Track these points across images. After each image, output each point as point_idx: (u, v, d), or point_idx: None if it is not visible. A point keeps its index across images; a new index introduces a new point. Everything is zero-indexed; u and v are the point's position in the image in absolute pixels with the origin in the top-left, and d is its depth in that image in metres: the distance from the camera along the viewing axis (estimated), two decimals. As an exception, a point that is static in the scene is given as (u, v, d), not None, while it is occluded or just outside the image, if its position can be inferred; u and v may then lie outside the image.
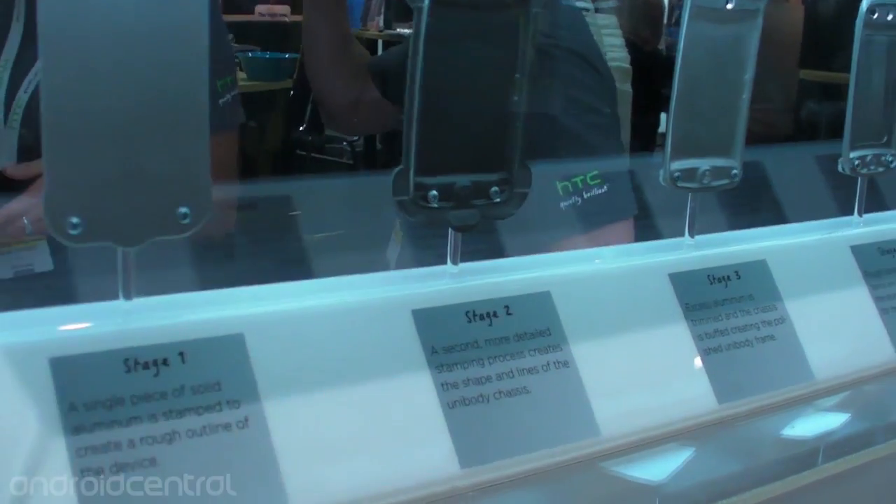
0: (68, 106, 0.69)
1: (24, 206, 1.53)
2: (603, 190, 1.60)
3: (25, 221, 1.51)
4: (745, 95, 1.05)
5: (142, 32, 0.70)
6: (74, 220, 0.70)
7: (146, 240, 0.72)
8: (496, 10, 0.85)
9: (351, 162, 5.49)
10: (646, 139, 4.66)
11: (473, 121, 0.86)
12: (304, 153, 5.42)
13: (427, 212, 0.84)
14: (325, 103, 2.01)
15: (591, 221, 1.59)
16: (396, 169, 0.82)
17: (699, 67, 1.01)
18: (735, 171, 1.05)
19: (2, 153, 1.68)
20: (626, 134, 3.28)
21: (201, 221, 0.73)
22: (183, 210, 0.73)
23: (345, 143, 5.52)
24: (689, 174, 1.02)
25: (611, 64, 3.18)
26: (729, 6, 1.00)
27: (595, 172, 1.60)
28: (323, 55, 1.87)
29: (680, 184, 1.01)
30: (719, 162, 1.04)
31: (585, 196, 1.60)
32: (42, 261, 1.71)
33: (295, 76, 5.59)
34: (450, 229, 0.87)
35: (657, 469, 0.89)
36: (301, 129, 5.56)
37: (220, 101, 1.85)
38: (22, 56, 1.71)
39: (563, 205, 1.59)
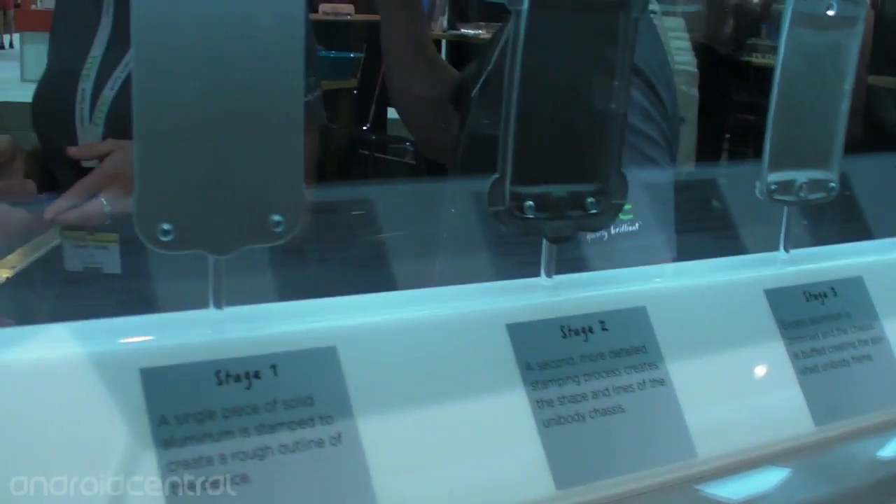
0: (161, 109, 0.67)
1: (99, 180, 1.47)
2: (633, 228, 1.43)
3: (104, 201, 1.46)
4: (844, 105, 1.02)
5: (236, 33, 0.68)
6: (166, 226, 0.68)
7: (238, 248, 0.70)
8: (595, 14, 0.82)
9: (413, 162, 5.47)
10: (714, 144, 4.61)
11: (570, 128, 0.83)
12: (366, 152, 5.42)
13: (522, 222, 0.82)
14: (407, 108, 1.94)
15: (614, 261, 1.42)
16: (492, 178, 0.80)
17: (799, 76, 0.98)
18: (833, 185, 1.02)
19: None
20: (691, 138, 3.24)
21: (294, 230, 0.71)
22: (276, 218, 0.71)
23: (407, 143, 5.51)
24: (786, 187, 0.99)
25: (677, 67, 3.14)
26: (829, 13, 0.97)
27: (627, 206, 1.36)
28: (403, 54, 1.83)
29: (777, 196, 0.98)
30: (817, 174, 1.01)
31: (613, 231, 1.42)
32: (111, 263, 1.70)
33: (359, 75, 5.61)
34: (544, 240, 0.84)
35: (753, 491, 0.86)
36: (364, 128, 5.57)
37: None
38: (110, 52, 1.70)
39: (588, 237, 1.39)
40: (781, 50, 0.96)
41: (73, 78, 1.68)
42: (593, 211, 0.84)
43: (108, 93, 1.66)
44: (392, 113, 6.07)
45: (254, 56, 0.69)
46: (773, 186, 0.98)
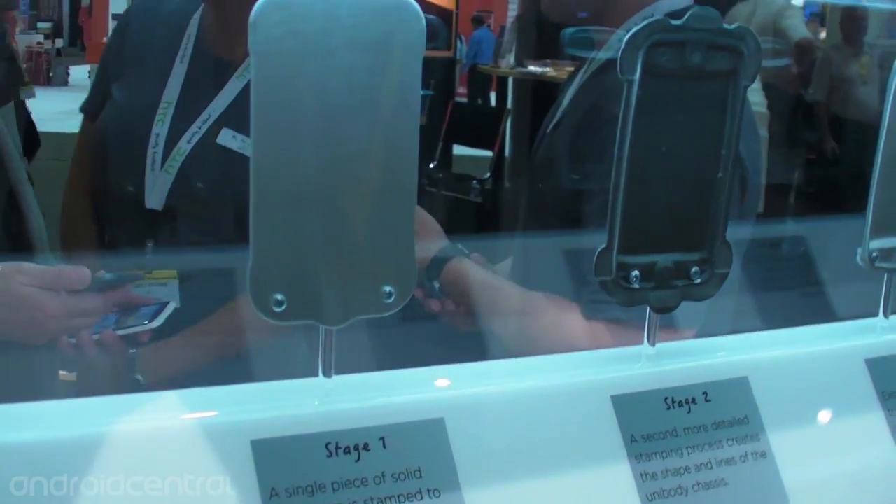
0: (277, 179, 0.67)
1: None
2: None
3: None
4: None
5: (354, 103, 0.68)
6: (279, 296, 0.68)
7: (349, 319, 0.70)
8: (705, 82, 0.82)
9: (479, 200, 5.47)
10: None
11: (677, 197, 0.83)
12: (433, 189, 5.42)
13: (628, 292, 0.81)
14: None
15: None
16: (599, 248, 0.79)
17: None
18: (935, 251, 1.00)
19: (153, 194, 1.67)
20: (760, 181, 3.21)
21: (405, 300, 0.71)
22: (387, 289, 0.71)
23: (474, 182, 5.51)
24: (888, 254, 0.97)
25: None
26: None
27: None
28: None
29: (878, 264, 0.97)
30: (920, 242, 0.99)
31: None
32: (172, 296, 1.70)
33: (426, 112, 5.62)
34: (648, 309, 0.84)
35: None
36: (432, 165, 5.58)
37: None
38: (184, 98, 1.69)
39: None
40: (887, 113, 0.94)
41: (145, 120, 1.68)
42: (698, 280, 0.84)
43: (186, 145, 1.64)
44: (458, 150, 6.08)
45: (370, 126, 0.69)
46: (874, 254, 0.96)
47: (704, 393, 0.84)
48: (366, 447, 0.70)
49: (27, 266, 1.25)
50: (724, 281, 0.85)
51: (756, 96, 3.38)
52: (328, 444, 0.69)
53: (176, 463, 0.66)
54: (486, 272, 1.41)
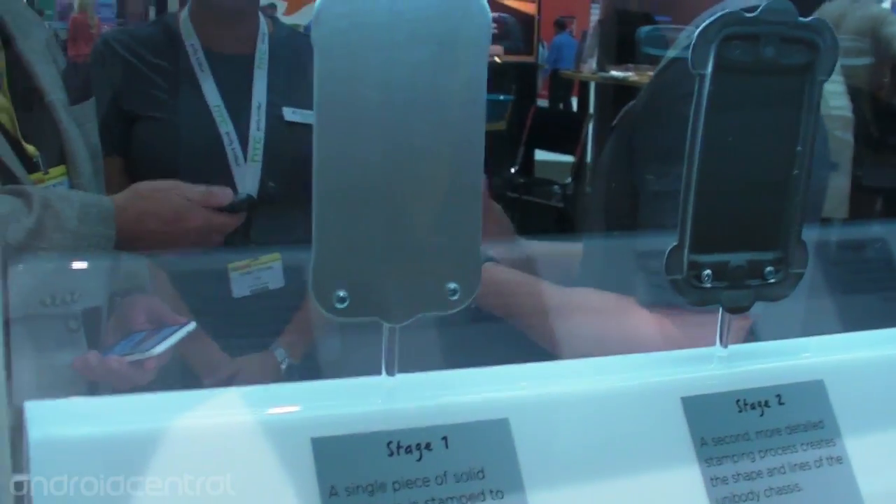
0: (340, 175, 0.66)
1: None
2: None
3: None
4: None
5: (419, 97, 0.67)
6: (342, 293, 0.67)
7: (413, 316, 0.69)
8: (780, 78, 0.79)
9: (561, 205, 5.45)
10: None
11: (751, 195, 0.81)
12: (515, 195, 5.41)
13: (700, 292, 0.79)
14: None
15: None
16: (670, 246, 0.78)
17: None
18: None
19: (245, 184, 1.81)
20: (845, 184, 3.14)
21: (470, 298, 0.70)
22: (452, 286, 0.70)
23: (556, 187, 5.49)
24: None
25: (831, 112, 3.05)
26: None
27: None
28: None
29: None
30: None
31: None
32: (275, 278, 1.84)
33: (507, 118, 5.62)
34: (720, 309, 0.82)
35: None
36: (513, 170, 5.57)
37: None
38: (227, 97, 1.85)
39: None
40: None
41: (202, 126, 1.83)
42: (772, 280, 0.81)
43: (258, 133, 1.79)
44: (540, 155, 6.06)
45: (436, 121, 0.68)
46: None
47: (778, 396, 0.81)
48: (428, 447, 0.69)
49: (182, 184, 1.47)
50: (800, 281, 0.83)
51: (840, 100, 3.33)
52: (389, 442, 0.68)
53: (235, 460, 0.65)
54: (523, 276, 1.39)
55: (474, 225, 0.70)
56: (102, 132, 1.69)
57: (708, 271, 0.79)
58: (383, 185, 0.67)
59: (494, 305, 1.34)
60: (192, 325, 1.38)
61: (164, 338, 1.35)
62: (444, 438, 0.69)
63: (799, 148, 0.80)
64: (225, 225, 1.48)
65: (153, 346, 1.34)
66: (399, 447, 0.68)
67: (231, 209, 1.47)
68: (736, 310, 0.81)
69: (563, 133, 5.75)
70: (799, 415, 0.82)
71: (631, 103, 1.48)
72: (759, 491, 0.78)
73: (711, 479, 0.76)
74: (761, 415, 0.80)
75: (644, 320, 1.22)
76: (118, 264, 1.45)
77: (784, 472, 0.79)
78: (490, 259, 1.37)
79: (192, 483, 0.64)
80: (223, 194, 1.46)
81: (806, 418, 0.82)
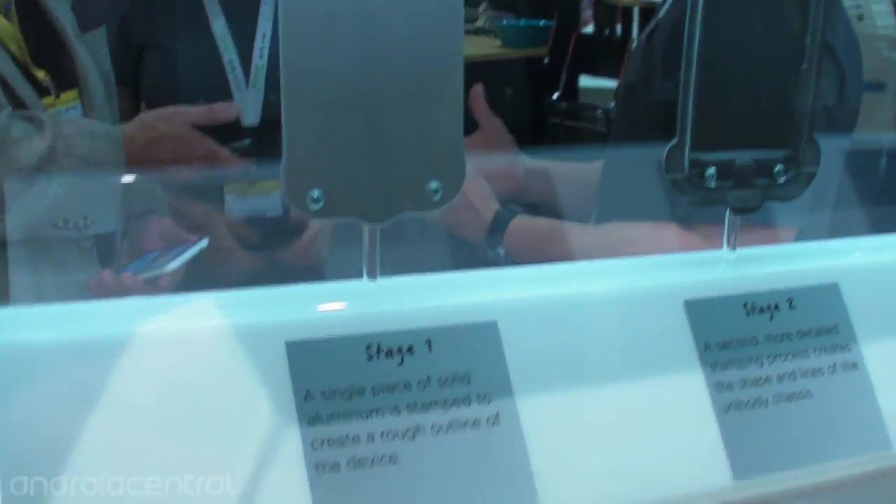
0: (309, 68, 0.63)
1: None
2: None
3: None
4: None
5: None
6: (315, 193, 0.64)
7: (393, 216, 0.66)
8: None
9: (605, 129, 5.37)
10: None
11: (757, 90, 0.76)
12: (557, 120, 5.35)
13: (703, 191, 0.75)
14: None
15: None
16: (670, 143, 0.74)
17: None
18: None
19: (248, 112, 1.83)
20: (893, 105, 3.06)
21: (452, 196, 0.67)
22: (433, 185, 0.66)
23: (599, 111, 5.41)
24: None
25: (878, 31, 2.97)
26: None
27: None
28: None
29: None
30: None
31: None
32: (274, 207, 1.86)
33: (550, 43, 5.54)
34: (727, 211, 0.78)
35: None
36: (555, 96, 5.50)
37: None
38: (233, 26, 1.90)
39: None
40: None
41: (208, 55, 1.86)
42: (782, 179, 0.77)
43: (260, 61, 1.85)
44: (584, 82, 5.97)
45: (411, 15, 0.64)
46: None
47: (789, 300, 0.78)
48: (410, 350, 0.66)
49: (183, 108, 1.48)
50: (811, 181, 0.78)
51: (888, 19, 3.24)
52: (369, 346, 0.65)
53: (206, 366, 0.63)
54: (553, 221, 1.35)
55: (456, 122, 0.66)
56: (113, 63, 1.70)
57: (712, 170, 0.75)
58: (357, 79, 0.64)
59: (529, 256, 1.32)
60: (204, 242, 1.38)
61: (177, 255, 1.35)
62: (428, 342, 0.66)
63: (808, 41, 0.76)
64: (228, 160, 1.50)
65: (166, 264, 1.33)
66: (379, 351, 0.65)
67: (234, 150, 1.49)
68: (742, 210, 0.77)
69: (605, 58, 5.66)
70: (812, 319, 0.78)
71: (658, 17, 1.43)
72: (768, 397, 0.74)
73: (716, 385, 0.73)
74: (770, 319, 0.76)
75: (681, 239, 1.18)
76: (131, 187, 1.44)
77: (794, 379, 0.76)
78: (517, 212, 1.34)
79: (160, 390, 0.61)
80: (226, 109, 1.50)
81: (819, 323, 0.78)
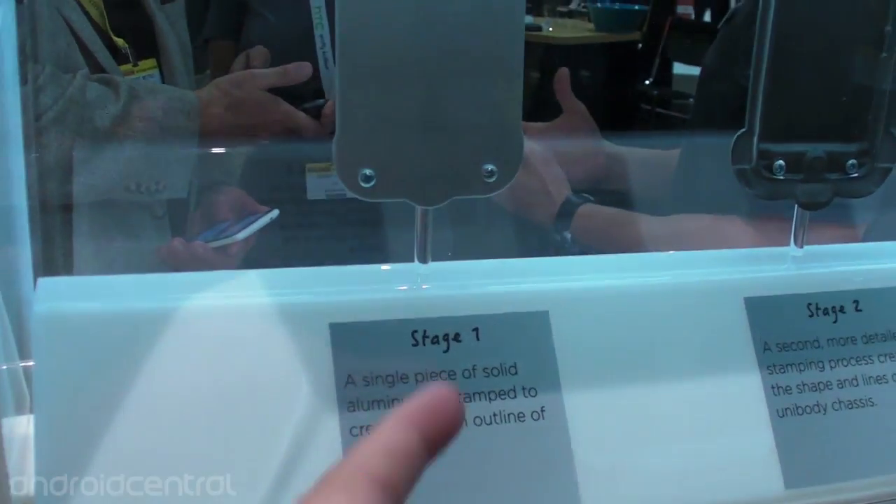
0: (366, 47, 0.61)
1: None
2: None
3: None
4: None
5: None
6: (367, 171, 0.62)
7: (446, 199, 0.64)
8: (870, -47, 0.72)
9: (696, 118, 5.29)
10: None
11: (832, 79, 0.73)
12: (648, 107, 5.29)
13: (771, 184, 0.72)
14: None
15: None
16: (738, 132, 0.71)
17: None
18: None
19: (332, 89, 1.77)
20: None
21: (509, 180, 0.65)
22: (489, 167, 0.64)
23: (691, 99, 5.33)
24: None
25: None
26: None
27: None
28: None
29: None
30: None
31: None
32: None
33: (644, 28, 5.47)
34: (795, 206, 0.75)
35: None
36: (647, 82, 5.43)
37: None
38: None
39: None
40: None
41: (300, 27, 1.84)
42: (855, 174, 0.74)
43: None
44: (678, 69, 5.89)
45: (471, -11, 0.62)
46: None
47: (856, 301, 0.75)
48: (457, 338, 0.64)
49: (257, 71, 1.47)
50: (887, 177, 0.75)
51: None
52: (415, 331, 0.63)
53: (246, 343, 0.62)
54: (620, 210, 1.33)
55: (515, 101, 0.64)
56: (220, 17, 1.70)
57: (780, 161, 0.72)
58: (414, 59, 0.62)
59: (595, 242, 1.30)
60: (275, 213, 1.37)
61: (248, 224, 1.35)
62: (476, 330, 0.65)
63: (889, 28, 0.73)
64: (304, 124, 1.48)
65: (237, 232, 1.33)
66: (425, 337, 0.64)
67: (308, 110, 1.47)
68: (812, 205, 0.74)
69: (700, 44, 5.58)
70: (878, 323, 0.75)
71: (739, 3, 1.40)
72: (827, 403, 0.71)
73: (773, 388, 0.70)
74: (835, 321, 0.74)
75: (746, 234, 1.15)
76: (205, 156, 1.44)
77: (856, 385, 0.73)
78: (587, 200, 1.32)
79: (200, 364, 0.60)
80: (300, 69, 1.46)
81: (886, 328, 0.75)
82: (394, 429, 0.33)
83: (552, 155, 1.36)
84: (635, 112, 5.32)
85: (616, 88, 5.19)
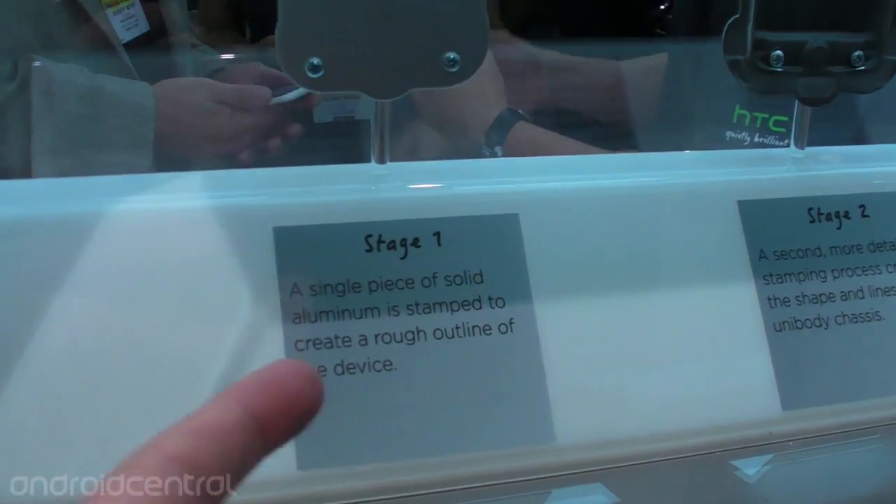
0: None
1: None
2: (783, 144, 1.14)
3: None
4: None
5: None
6: (315, 60, 0.56)
7: (404, 90, 0.58)
8: None
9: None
10: None
11: (838, -36, 0.67)
12: (663, 33, 5.19)
13: (768, 77, 0.66)
14: None
15: None
16: (731, 19, 0.65)
17: None
18: None
19: None
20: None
21: (473, 70, 0.58)
22: (451, 56, 0.58)
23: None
24: None
25: None
26: None
27: (782, 118, 1.14)
28: None
29: None
30: None
31: (754, 139, 1.17)
32: (364, 110, 1.69)
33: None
34: (796, 102, 0.68)
35: None
36: (662, 7, 5.34)
37: None
38: None
39: (728, 134, 1.18)
40: None
41: None
42: (861, 67, 0.68)
43: None
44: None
45: None
46: None
47: (862, 206, 0.68)
48: (416, 243, 0.58)
49: (212, 82, 1.35)
50: (895, 71, 0.69)
51: None
52: (368, 236, 0.57)
53: (185, 249, 0.56)
54: (557, 135, 1.25)
55: (479, -18, 0.58)
56: None
57: (778, 52, 0.66)
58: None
59: None
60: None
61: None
62: (437, 234, 0.58)
63: None
64: (254, 126, 1.36)
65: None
66: (380, 242, 0.57)
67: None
68: (814, 101, 0.68)
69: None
70: (886, 230, 0.69)
71: None
72: (829, 317, 0.65)
73: (769, 300, 0.64)
74: (839, 227, 0.67)
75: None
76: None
77: (861, 297, 0.67)
78: (522, 117, 1.24)
79: (131, 273, 0.54)
80: (260, 94, 1.35)
81: (895, 235, 0.69)
82: (210, 407, 0.29)
83: (494, 61, 1.28)
84: (652, 37, 5.23)
85: (629, 12, 5.08)
